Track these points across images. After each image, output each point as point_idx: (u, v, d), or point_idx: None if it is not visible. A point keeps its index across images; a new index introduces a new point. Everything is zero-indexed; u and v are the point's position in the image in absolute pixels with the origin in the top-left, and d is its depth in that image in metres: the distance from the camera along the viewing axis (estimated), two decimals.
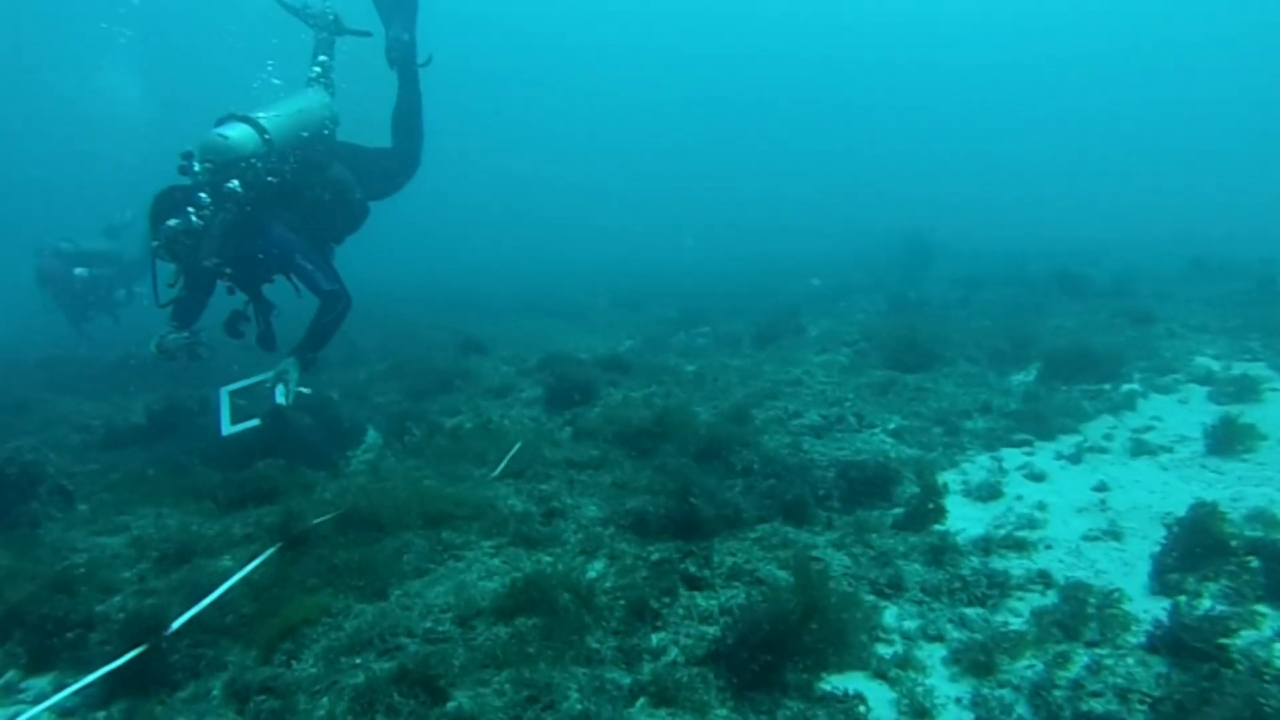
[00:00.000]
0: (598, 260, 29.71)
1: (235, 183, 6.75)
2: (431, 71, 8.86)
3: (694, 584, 3.98)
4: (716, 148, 60.88)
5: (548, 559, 4.32)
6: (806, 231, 33.21)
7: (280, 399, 6.68)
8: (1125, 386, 7.45)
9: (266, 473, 5.74)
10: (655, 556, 4.20)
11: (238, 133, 7.12)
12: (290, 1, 8.58)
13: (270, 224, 7.07)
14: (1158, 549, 4.22)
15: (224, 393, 7.21)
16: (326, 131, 8.09)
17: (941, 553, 4.40)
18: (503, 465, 5.85)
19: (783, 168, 56.02)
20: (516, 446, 6.12)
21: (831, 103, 63.84)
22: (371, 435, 7.97)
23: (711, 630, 3.61)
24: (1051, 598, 3.99)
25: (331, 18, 8.64)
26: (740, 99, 64.46)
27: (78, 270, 14.77)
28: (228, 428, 6.79)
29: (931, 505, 4.85)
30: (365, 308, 15.39)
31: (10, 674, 3.88)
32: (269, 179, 7.13)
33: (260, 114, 7.41)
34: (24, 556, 4.86)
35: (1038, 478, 5.75)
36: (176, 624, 3.70)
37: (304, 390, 6.87)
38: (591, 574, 4.12)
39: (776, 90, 64.54)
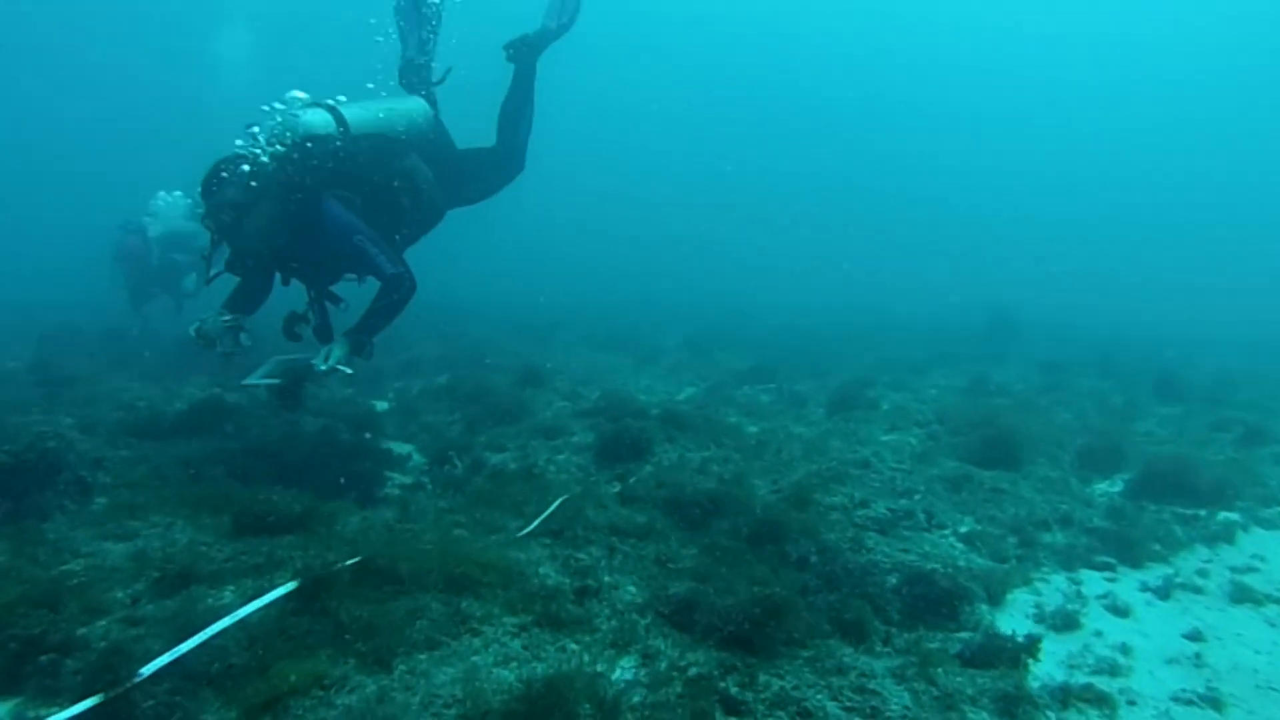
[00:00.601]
0: (684, 293, 29.60)
1: (297, 159, 6.52)
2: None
3: (732, 708, 3.49)
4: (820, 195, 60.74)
5: (574, 647, 3.88)
6: (894, 286, 32.86)
7: (320, 366, 6.40)
8: (1223, 514, 6.78)
9: (290, 498, 5.37)
10: (693, 671, 3.71)
11: (314, 116, 6.86)
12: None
13: (326, 202, 6.72)
14: None
15: (274, 359, 7.08)
16: (411, 132, 7.73)
17: (1015, 703, 3.85)
18: (535, 524, 5.43)
19: (880, 225, 55.51)
20: (557, 503, 5.70)
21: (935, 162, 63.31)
22: (414, 457, 7.68)
23: None
24: None
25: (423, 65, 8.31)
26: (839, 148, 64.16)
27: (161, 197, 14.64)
28: (251, 379, 6.82)
29: (1018, 653, 4.29)
30: (432, 319, 15.33)
31: None
32: (334, 163, 6.81)
33: (347, 105, 7.16)
34: (20, 554, 4.56)
35: (1121, 612, 5.16)
36: (148, 670, 3.33)
37: (345, 370, 6.55)
38: (618, 675, 3.67)
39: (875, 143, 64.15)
